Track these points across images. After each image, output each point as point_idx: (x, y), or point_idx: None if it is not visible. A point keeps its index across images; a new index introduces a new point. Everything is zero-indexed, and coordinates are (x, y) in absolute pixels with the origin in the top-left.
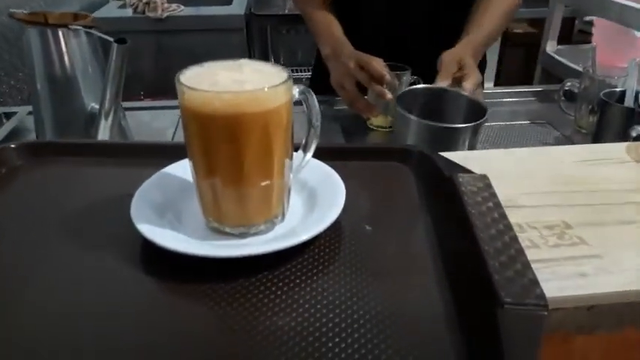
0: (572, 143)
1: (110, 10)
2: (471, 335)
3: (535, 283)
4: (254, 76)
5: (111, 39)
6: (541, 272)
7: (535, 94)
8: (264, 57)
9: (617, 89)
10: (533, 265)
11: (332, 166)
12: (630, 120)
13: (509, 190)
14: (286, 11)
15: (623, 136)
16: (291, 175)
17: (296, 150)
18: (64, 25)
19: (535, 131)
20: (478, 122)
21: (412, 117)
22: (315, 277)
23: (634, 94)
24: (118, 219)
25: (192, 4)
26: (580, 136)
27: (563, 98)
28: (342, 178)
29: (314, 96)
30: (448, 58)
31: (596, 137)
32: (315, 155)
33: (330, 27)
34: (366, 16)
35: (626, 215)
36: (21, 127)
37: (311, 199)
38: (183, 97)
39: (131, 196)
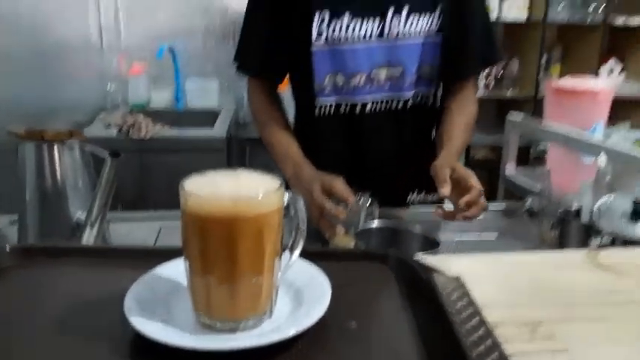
0: None
1: (95, 130)
2: None
3: None
4: (250, 184)
5: (105, 152)
6: None
7: (500, 209)
8: None
9: (573, 207)
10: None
11: (317, 266)
12: (588, 233)
13: (482, 290)
14: None
15: (584, 248)
16: (280, 274)
17: (282, 250)
18: (60, 141)
19: (502, 244)
20: (431, 251)
21: None
22: None
23: (589, 212)
24: (109, 317)
25: (177, 126)
26: (545, 248)
27: (526, 214)
28: (327, 277)
29: (302, 202)
30: (441, 165)
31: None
32: (301, 256)
33: (289, 149)
34: (325, 147)
35: (591, 313)
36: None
37: (298, 297)
38: (186, 202)
39: (122, 295)
